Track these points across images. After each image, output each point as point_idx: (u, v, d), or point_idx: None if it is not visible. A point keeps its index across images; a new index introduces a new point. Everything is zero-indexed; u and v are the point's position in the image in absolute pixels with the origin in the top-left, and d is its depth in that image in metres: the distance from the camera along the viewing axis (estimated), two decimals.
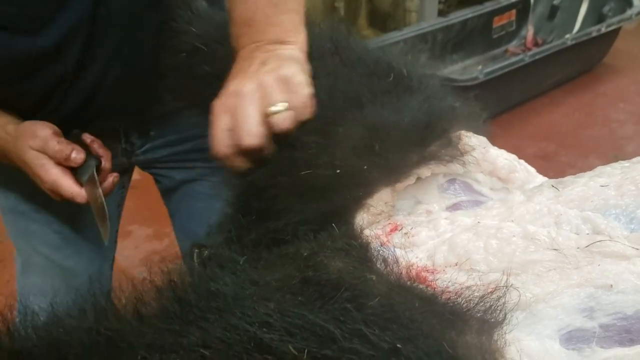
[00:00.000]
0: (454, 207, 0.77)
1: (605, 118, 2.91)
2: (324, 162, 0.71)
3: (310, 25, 0.89)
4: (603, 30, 3.27)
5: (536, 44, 3.83)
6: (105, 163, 1.01)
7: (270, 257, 0.67)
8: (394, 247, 0.69)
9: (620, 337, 0.57)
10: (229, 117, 0.78)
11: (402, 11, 3.95)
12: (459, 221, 0.70)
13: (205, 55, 0.94)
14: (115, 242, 1.32)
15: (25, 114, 0.98)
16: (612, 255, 0.61)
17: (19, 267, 1.21)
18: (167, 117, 1.15)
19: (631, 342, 0.56)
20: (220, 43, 0.92)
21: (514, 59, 3.17)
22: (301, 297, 0.59)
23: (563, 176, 0.76)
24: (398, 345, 0.53)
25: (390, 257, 0.66)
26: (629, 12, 3.46)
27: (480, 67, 3.49)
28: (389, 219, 0.73)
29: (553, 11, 3.94)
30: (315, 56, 0.86)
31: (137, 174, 1.32)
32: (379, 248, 0.67)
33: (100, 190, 1.00)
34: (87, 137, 1.01)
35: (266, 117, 0.76)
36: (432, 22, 3.60)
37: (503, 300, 0.57)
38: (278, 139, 0.77)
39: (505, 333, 0.55)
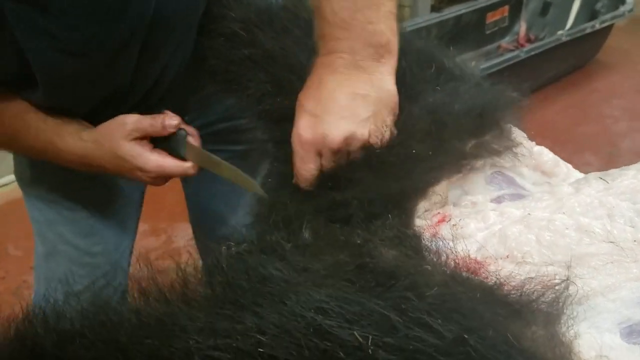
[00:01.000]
0: (498, 200, 0.76)
1: (599, 114, 2.93)
2: (397, 142, 0.71)
3: None
4: (597, 26, 3.29)
5: (529, 40, 3.84)
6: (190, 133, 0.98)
7: (319, 244, 0.65)
8: (444, 238, 0.67)
9: None
10: (317, 160, 0.77)
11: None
12: (507, 213, 0.69)
13: (244, 39, 0.92)
14: (136, 228, 1.30)
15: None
16: None
17: (41, 255, 1.19)
18: (200, 102, 1.13)
19: None
20: (260, 28, 0.90)
21: (509, 55, 3.17)
22: (357, 284, 0.58)
23: None
24: (464, 336, 0.51)
25: (441, 248, 0.64)
26: (621, 9, 3.47)
27: (473, 63, 3.48)
28: (439, 210, 0.72)
29: (546, 7, 3.95)
30: None
31: None
32: (429, 239, 0.66)
33: (207, 152, 0.96)
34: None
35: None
36: (426, 17, 3.58)
37: (565, 293, 0.56)
38: None
39: (570, 326, 0.54)
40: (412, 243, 0.63)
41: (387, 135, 0.75)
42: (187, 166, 0.94)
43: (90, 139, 0.92)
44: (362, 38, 0.76)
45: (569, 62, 3.49)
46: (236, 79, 0.95)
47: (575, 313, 0.57)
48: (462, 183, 0.78)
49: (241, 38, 0.94)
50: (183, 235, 2.44)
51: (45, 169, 1.09)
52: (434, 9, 3.86)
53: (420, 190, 0.75)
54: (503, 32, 4.03)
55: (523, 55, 3.14)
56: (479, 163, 0.77)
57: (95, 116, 0.93)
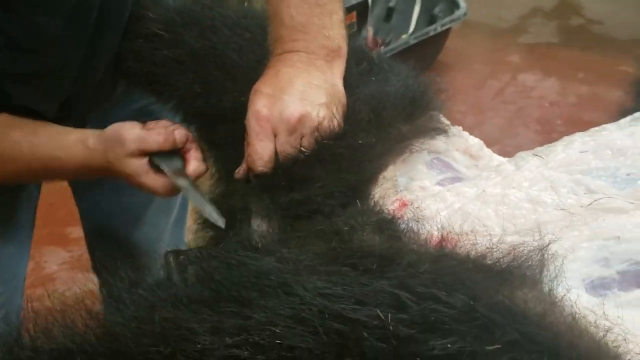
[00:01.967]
0: (442, 183, 0.80)
1: (450, 110, 3.13)
2: (343, 133, 0.73)
3: None
4: (439, 29, 3.54)
5: (376, 44, 4.03)
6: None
7: (301, 236, 0.66)
8: (411, 220, 0.70)
9: (637, 280, 0.63)
10: (273, 139, 0.77)
11: None
12: (462, 192, 0.74)
13: (166, 40, 0.90)
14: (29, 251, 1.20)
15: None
16: (612, 211, 0.68)
17: None
18: (104, 107, 1.07)
19: None
20: (185, 28, 0.89)
21: None
22: (358, 268, 0.59)
23: None
24: (471, 303, 0.55)
25: (415, 229, 0.68)
26: (457, 13, 3.75)
27: None
28: (395, 196, 0.75)
29: (389, 13, 4.16)
30: None
31: None
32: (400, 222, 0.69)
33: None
34: None
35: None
36: None
37: (542, 256, 0.62)
38: None
39: (554, 286, 0.59)
40: (392, 227, 0.65)
41: (336, 125, 0.78)
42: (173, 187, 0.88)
43: (99, 148, 0.86)
44: (317, 41, 0.81)
45: (418, 64, 3.71)
46: (161, 80, 0.93)
47: (553, 274, 0.62)
48: (407, 171, 0.82)
49: (162, 39, 0.92)
50: (54, 260, 2.28)
51: None
52: None
53: (372, 177, 0.78)
54: (353, 37, 4.18)
55: None
56: (417, 146, 0.81)
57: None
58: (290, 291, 0.56)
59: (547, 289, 0.59)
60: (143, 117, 1.20)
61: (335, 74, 0.81)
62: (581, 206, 0.69)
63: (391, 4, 4.30)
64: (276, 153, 0.77)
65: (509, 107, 3.14)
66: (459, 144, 0.85)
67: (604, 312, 0.58)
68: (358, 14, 4.20)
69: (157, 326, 0.53)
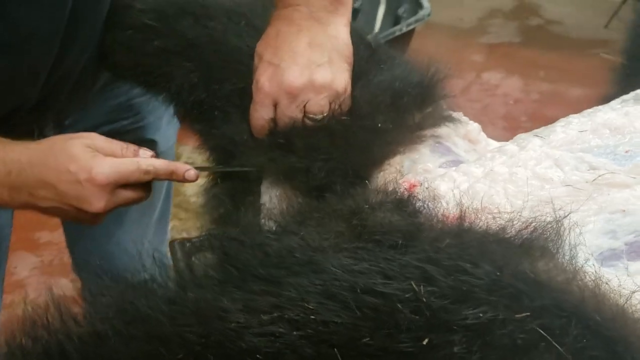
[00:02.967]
0: (444, 166, 0.82)
1: None
2: (363, 114, 0.74)
3: None
4: (404, 29, 3.58)
5: None
6: None
7: (319, 216, 0.66)
8: (424, 200, 0.71)
9: None
10: (272, 109, 0.79)
11: None
12: (470, 172, 0.75)
13: (158, 31, 0.89)
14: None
15: None
16: (616, 186, 0.70)
17: None
18: (83, 104, 1.05)
19: None
20: (176, 18, 0.88)
21: None
22: (378, 245, 0.59)
23: None
24: (497, 273, 0.56)
25: (430, 208, 0.69)
26: (421, 13, 3.79)
27: None
28: (401, 179, 0.76)
29: (355, 13, 4.17)
30: None
31: None
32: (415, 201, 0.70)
33: None
34: None
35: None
36: None
37: (558, 228, 0.63)
38: None
39: (572, 257, 0.61)
40: (409, 205, 0.66)
41: (343, 81, 0.80)
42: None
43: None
44: None
45: None
46: (154, 71, 0.92)
47: (572, 244, 0.64)
48: (409, 154, 0.83)
49: (154, 29, 0.91)
50: (24, 265, 2.22)
51: None
52: None
53: (378, 162, 0.79)
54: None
55: None
56: (425, 134, 0.82)
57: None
58: (318, 269, 0.56)
59: (567, 258, 0.61)
60: (124, 112, 1.19)
61: (338, 24, 0.82)
62: (586, 182, 0.71)
63: (356, 5, 4.32)
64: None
65: (475, 105, 3.21)
66: (460, 129, 0.87)
67: (619, 281, 0.60)
68: None
69: (191, 307, 0.53)
